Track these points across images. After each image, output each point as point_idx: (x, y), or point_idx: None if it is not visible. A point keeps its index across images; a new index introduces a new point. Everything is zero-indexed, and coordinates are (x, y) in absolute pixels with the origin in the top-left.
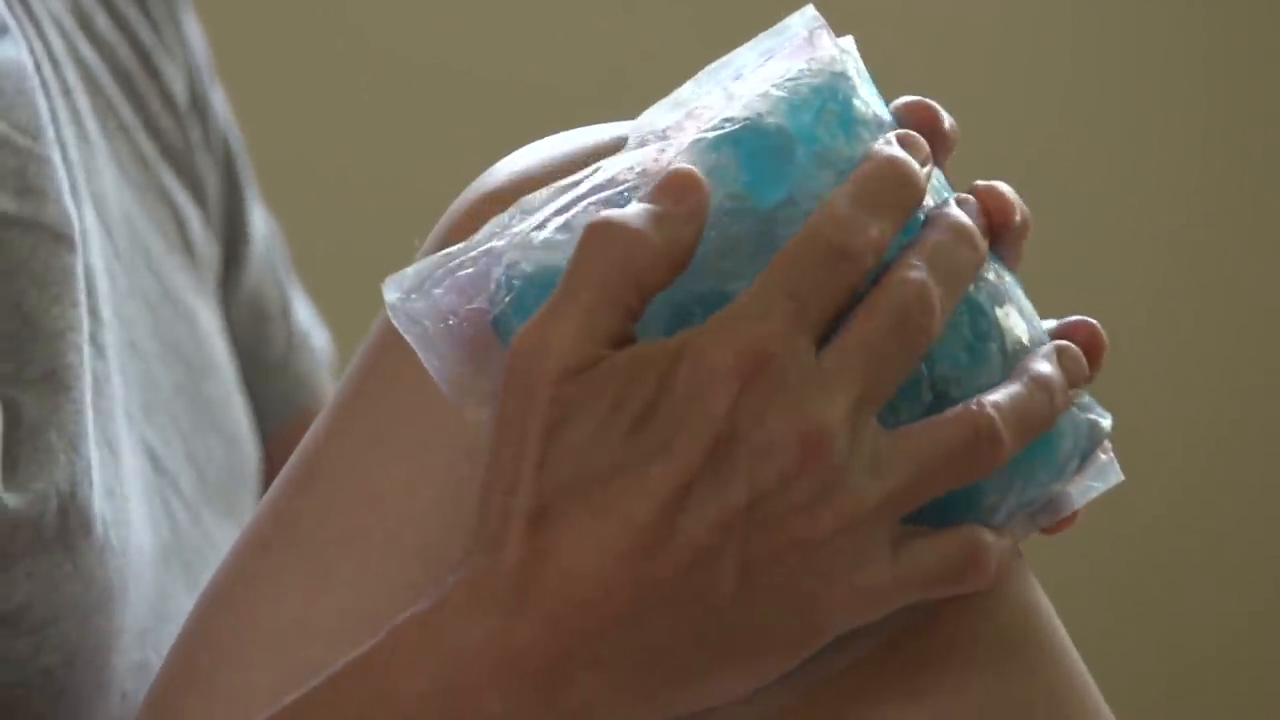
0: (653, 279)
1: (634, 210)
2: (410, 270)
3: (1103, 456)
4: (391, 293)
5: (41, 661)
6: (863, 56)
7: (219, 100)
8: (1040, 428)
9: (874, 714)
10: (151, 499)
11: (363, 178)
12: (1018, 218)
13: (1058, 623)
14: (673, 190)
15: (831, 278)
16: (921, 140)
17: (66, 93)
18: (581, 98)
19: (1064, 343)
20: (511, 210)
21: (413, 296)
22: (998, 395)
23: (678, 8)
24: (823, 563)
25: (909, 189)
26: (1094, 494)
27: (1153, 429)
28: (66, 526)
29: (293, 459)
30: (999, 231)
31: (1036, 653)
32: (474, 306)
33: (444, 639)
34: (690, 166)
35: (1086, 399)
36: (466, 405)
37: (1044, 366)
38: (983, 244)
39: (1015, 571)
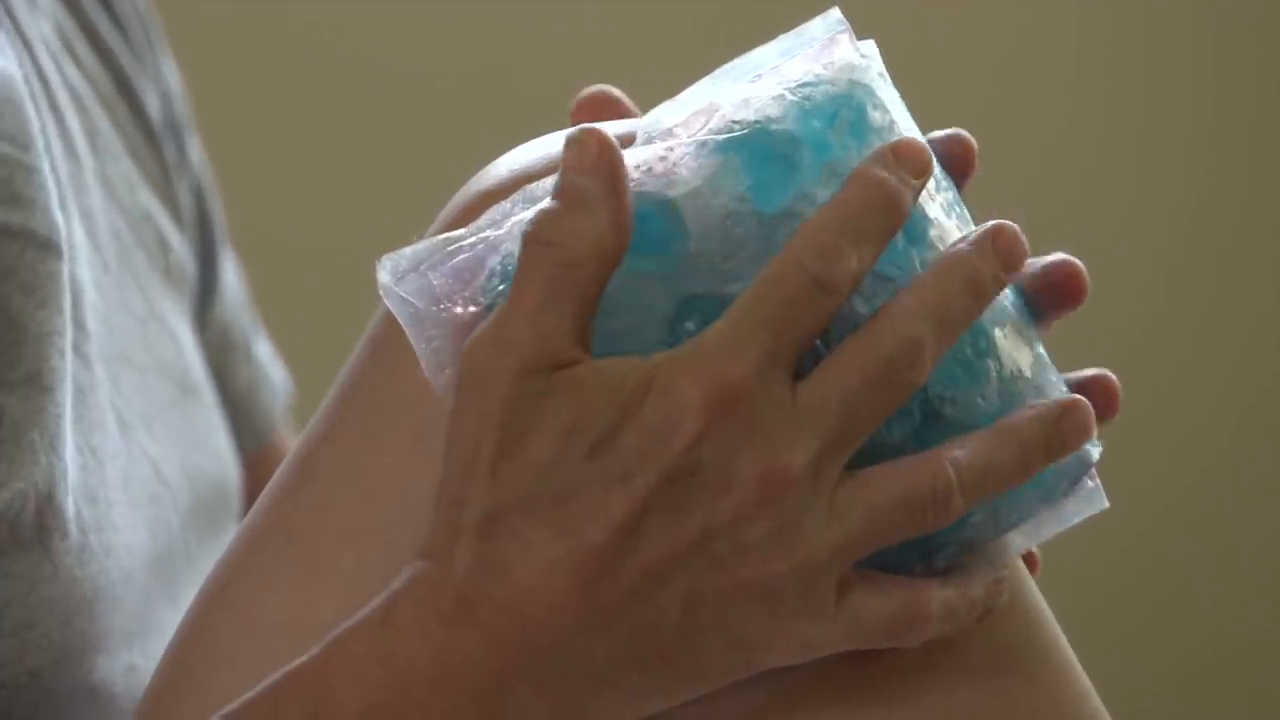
0: (587, 274)
1: (554, 204)
2: (407, 251)
3: (1090, 483)
4: (385, 272)
5: (27, 664)
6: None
7: (194, 146)
8: (999, 489)
9: (859, 717)
10: (151, 507)
11: (358, 180)
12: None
13: (1057, 628)
14: (580, 165)
15: (809, 310)
16: (917, 150)
17: (55, 110)
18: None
19: (1074, 399)
20: (514, 197)
21: (408, 277)
22: (963, 450)
23: (678, 9)
24: (767, 604)
25: (893, 214)
26: (1079, 519)
27: (1153, 431)
28: (43, 527)
29: (289, 455)
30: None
31: (1035, 658)
32: (468, 293)
33: (388, 652)
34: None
35: None
36: (451, 392)
37: (1033, 429)
38: (990, 295)
39: (1014, 576)
